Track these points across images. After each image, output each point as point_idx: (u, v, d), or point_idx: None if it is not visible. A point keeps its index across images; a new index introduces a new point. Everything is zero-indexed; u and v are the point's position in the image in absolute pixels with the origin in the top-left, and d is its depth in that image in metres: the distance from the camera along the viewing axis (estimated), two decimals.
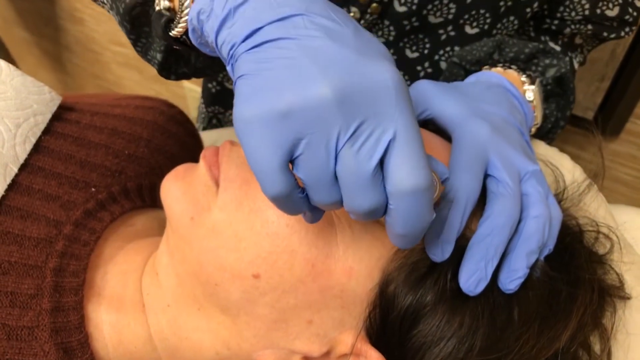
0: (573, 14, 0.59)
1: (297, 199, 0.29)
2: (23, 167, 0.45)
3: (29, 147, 0.46)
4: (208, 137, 0.74)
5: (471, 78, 0.50)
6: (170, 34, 0.38)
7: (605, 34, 0.61)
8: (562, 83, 0.57)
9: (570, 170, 0.51)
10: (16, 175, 0.44)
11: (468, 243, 0.37)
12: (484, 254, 0.36)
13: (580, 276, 0.40)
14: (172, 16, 0.38)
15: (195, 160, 0.59)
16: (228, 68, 0.31)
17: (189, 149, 0.58)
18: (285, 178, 0.28)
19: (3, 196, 0.42)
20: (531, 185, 0.40)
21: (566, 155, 0.52)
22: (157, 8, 0.38)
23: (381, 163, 0.27)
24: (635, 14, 0.58)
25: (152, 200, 0.51)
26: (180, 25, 0.38)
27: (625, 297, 0.42)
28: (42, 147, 0.47)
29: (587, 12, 0.58)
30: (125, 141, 0.52)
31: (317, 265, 0.37)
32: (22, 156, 0.45)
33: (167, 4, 0.38)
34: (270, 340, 0.38)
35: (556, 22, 0.61)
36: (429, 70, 0.66)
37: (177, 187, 0.41)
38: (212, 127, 0.84)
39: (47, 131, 0.48)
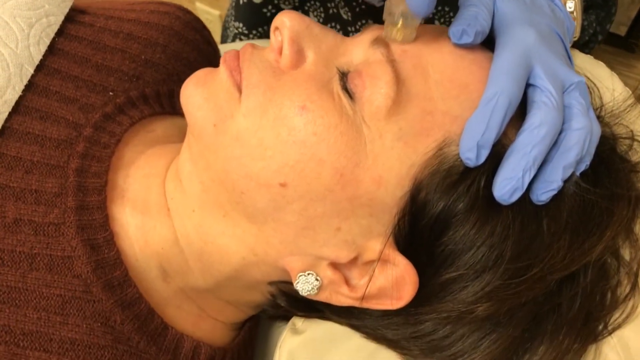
0: None
1: None
2: (38, 69, 0.43)
3: (43, 48, 0.44)
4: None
5: None
6: None
7: None
8: None
9: (609, 88, 0.48)
10: (32, 76, 0.42)
11: (504, 151, 0.36)
12: (523, 164, 0.34)
13: (616, 191, 0.38)
14: None
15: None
16: None
17: (206, 56, 0.56)
18: None
19: (21, 97, 0.41)
20: (574, 97, 0.37)
21: (602, 64, 0.49)
22: None
23: None
24: None
25: (171, 107, 0.50)
26: None
27: None
28: (57, 49, 0.45)
29: None
30: (142, 46, 0.50)
31: (345, 174, 0.35)
32: (37, 57, 0.43)
33: None
34: (298, 247, 0.38)
35: None
36: None
37: (198, 94, 0.39)
38: None
39: (60, 33, 0.46)
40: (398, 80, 0.36)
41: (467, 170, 0.35)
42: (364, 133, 0.36)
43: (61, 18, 0.47)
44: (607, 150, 0.41)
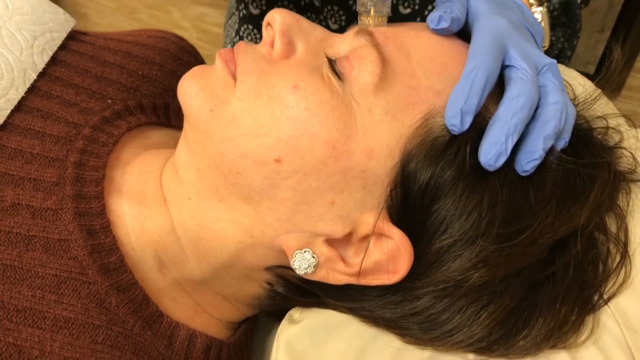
0: None
1: None
2: (41, 75, 0.45)
3: (46, 58, 0.46)
4: None
5: None
6: None
7: None
8: (568, 10, 0.58)
9: (581, 84, 0.51)
10: (35, 81, 0.44)
11: (486, 123, 0.38)
12: (505, 129, 0.36)
13: (596, 160, 0.40)
14: None
15: None
16: None
17: None
18: None
19: (23, 98, 0.43)
20: (548, 78, 0.40)
21: (573, 70, 0.53)
22: None
23: None
24: None
25: (166, 119, 0.52)
26: None
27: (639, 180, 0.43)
28: (59, 60, 0.48)
29: None
30: (139, 63, 0.52)
31: (337, 146, 0.37)
32: (40, 65, 0.46)
33: None
34: (293, 224, 0.38)
35: None
36: None
37: (194, 84, 0.41)
38: None
39: (63, 47, 0.49)
40: (383, 60, 0.38)
41: (453, 139, 0.37)
42: (354, 108, 0.38)
43: (64, 35, 0.49)
44: (584, 131, 0.43)
